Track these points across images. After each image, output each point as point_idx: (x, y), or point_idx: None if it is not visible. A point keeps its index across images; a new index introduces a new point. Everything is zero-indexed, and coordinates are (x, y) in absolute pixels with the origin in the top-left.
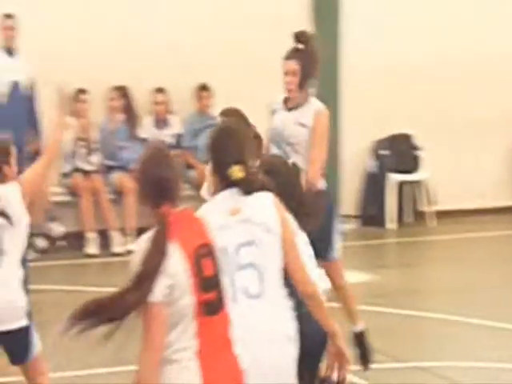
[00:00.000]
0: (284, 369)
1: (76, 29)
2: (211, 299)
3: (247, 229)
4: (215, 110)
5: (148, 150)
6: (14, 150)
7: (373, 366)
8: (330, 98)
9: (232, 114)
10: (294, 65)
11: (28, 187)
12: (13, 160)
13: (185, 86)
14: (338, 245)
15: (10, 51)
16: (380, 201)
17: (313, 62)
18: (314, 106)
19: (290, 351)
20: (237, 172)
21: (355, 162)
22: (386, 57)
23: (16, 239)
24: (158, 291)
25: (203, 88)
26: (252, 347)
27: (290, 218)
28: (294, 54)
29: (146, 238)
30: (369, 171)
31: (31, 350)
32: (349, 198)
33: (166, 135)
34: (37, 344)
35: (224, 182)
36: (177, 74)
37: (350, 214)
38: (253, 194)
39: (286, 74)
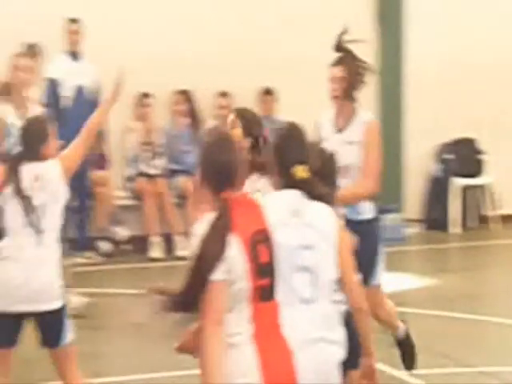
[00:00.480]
0: (332, 374)
1: (140, 34)
2: (266, 285)
3: (307, 233)
4: (279, 114)
5: (211, 136)
6: (51, 128)
7: (436, 369)
8: (394, 101)
9: (247, 113)
10: (339, 71)
11: (68, 164)
12: (51, 138)
13: (248, 90)
14: (381, 272)
15: (74, 55)
16: (444, 205)
17: (359, 69)
18: (363, 118)
19: (338, 356)
20: (301, 171)
21: (419, 165)
22: (450, 58)
23: (54, 218)
24: (218, 271)
25: (267, 92)
26: (301, 352)
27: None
28: (339, 61)
29: (207, 221)
30: (433, 175)
31: (64, 335)
32: (413, 201)
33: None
34: (70, 331)
35: (285, 182)
36: (241, 78)
37: (413, 218)
38: (313, 201)
39: (332, 80)
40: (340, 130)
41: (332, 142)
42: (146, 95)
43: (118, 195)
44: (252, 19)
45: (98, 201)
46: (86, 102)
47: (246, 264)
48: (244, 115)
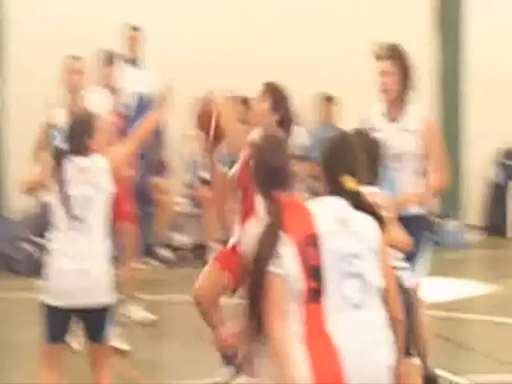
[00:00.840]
0: (381, 376)
1: (196, 40)
2: (316, 288)
3: (355, 242)
4: (340, 120)
5: (262, 138)
6: (98, 125)
7: (495, 375)
8: (455, 104)
9: (276, 89)
10: (390, 65)
11: (115, 164)
12: (98, 133)
13: (309, 96)
14: (420, 273)
15: (135, 63)
16: (503, 210)
17: (411, 65)
18: (418, 110)
19: (386, 361)
20: (350, 182)
21: (479, 170)
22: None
23: (100, 212)
24: (274, 265)
25: (328, 98)
26: (348, 355)
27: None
28: (390, 55)
29: (260, 223)
30: (492, 180)
31: (108, 331)
32: (473, 207)
33: (293, 146)
34: (112, 328)
35: (332, 191)
36: (301, 84)
37: (474, 224)
38: (357, 211)
39: (382, 74)
40: (393, 120)
41: (386, 132)
42: None
43: (179, 202)
44: (310, 27)
45: (159, 208)
46: (146, 109)
47: (299, 265)
48: (273, 90)
